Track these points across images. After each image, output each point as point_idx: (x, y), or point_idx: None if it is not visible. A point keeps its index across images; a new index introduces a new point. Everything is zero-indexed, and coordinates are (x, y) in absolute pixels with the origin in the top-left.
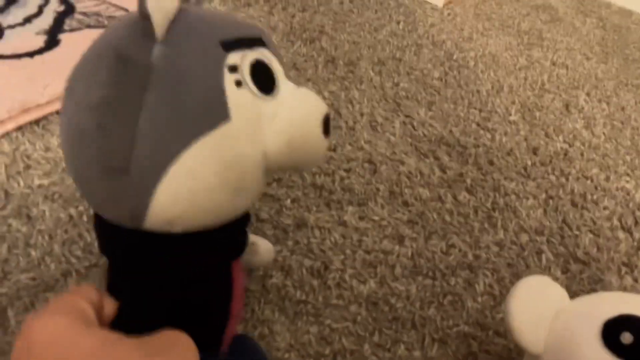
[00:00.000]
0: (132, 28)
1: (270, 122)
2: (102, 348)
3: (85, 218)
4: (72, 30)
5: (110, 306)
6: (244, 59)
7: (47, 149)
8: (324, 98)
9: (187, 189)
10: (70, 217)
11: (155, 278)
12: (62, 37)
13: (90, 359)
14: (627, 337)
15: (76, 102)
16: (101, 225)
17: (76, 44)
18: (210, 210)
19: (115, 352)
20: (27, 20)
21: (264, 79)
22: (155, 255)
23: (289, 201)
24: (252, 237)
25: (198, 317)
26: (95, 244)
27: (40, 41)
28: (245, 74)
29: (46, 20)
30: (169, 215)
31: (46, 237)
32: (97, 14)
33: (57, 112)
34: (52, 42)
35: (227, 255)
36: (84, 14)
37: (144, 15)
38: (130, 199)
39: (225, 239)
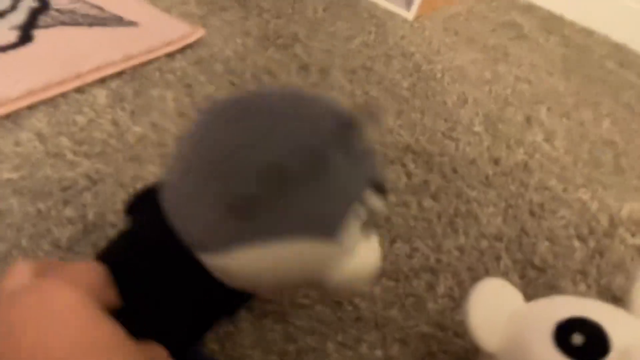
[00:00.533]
0: (331, 119)
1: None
2: (114, 345)
3: (53, 213)
4: (46, 26)
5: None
6: (370, 198)
7: (17, 144)
8: None
9: (262, 266)
10: (39, 211)
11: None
12: (36, 33)
13: (103, 355)
14: (577, 338)
15: (248, 140)
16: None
17: (50, 40)
18: (253, 286)
19: (122, 351)
20: (1, 15)
21: (368, 222)
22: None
23: None
24: None
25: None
26: (64, 239)
27: (13, 36)
28: (363, 212)
29: (20, 15)
30: (228, 269)
31: (14, 231)
32: (72, 12)
33: (28, 107)
34: (25, 37)
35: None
36: (59, 11)
37: (349, 127)
38: (216, 234)
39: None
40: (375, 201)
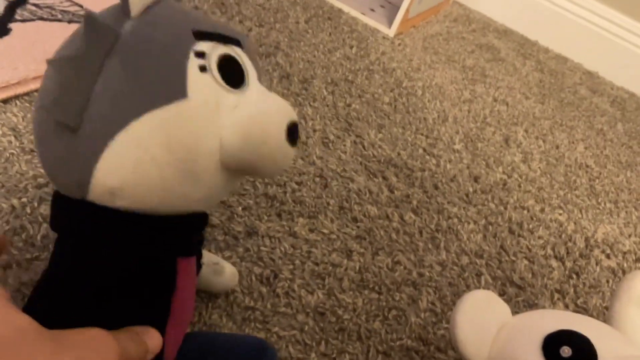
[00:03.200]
0: (112, 7)
1: (230, 112)
2: (15, 337)
3: (28, 210)
4: (23, 20)
5: None
6: (214, 49)
7: None
8: None
9: (133, 158)
10: (13, 207)
11: (94, 259)
12: (13, 26)
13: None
14: (566, 351)
15: (49, 61)
16: (55, 199)
17: (27, 34)
18: (156, 187)
19: (25, 342)
20: None
21: (231, 73)
22: (98, 233)
23: (240, 209)
24: (218, 259)
25: (130, 307)
26: (38, 236)
27: None
28: (212, 62)
29: None
30: (111, 184)
31: None
32: (51, 7)
33: (3, 101)
34: (2, 30)
35: (172, 248)
36: (37, 5)
37: None
38: (76, 163)
39: (173, 229)
40: (216, 46)
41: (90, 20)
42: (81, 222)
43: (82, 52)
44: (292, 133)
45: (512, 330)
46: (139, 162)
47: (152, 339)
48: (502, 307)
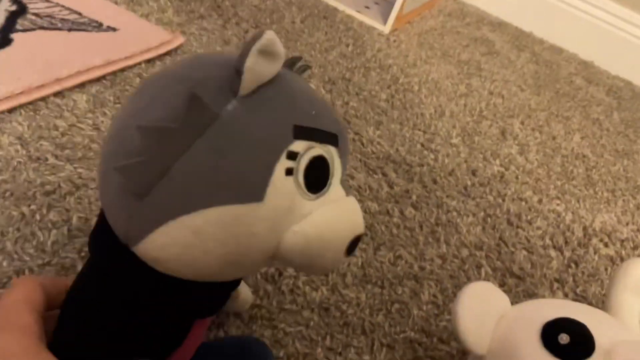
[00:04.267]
0: (220, 73)
1: (299, 219)
2: None
3: (38, 216)
4: (25, 30)
5: (60, 284)
6: (308, 150)
7: None
8: None
9: (186, 242)
10: (23, 215)
11: (116, 296)
12: (15, 36)
13: None
14: (564, 338)
15: (133, 111)
16: (102, 222)
17: (29, 43)
18: (197, 270)
19: None
20: None
21: (316, 177)
22: (130, 276)
23: None
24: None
25: (134, 347)
26: (49, 242)
27: None
28: (302, 165)
29: None
30: (157, 255)
31: None
32: (50, 16)
33: (8, 111)
34: (4, 40)
35: (196, 311)
36: (37, 15)
37: (237, 70)
38: (132, 220)
39: (204, 293)
40: (311, 146)
41: (194, 99)
42: (118, 260)
43: (175, 127)
44: (353, 246)
45: (511, 320)
46: (190, 247)
47: None
48: (501, 298)
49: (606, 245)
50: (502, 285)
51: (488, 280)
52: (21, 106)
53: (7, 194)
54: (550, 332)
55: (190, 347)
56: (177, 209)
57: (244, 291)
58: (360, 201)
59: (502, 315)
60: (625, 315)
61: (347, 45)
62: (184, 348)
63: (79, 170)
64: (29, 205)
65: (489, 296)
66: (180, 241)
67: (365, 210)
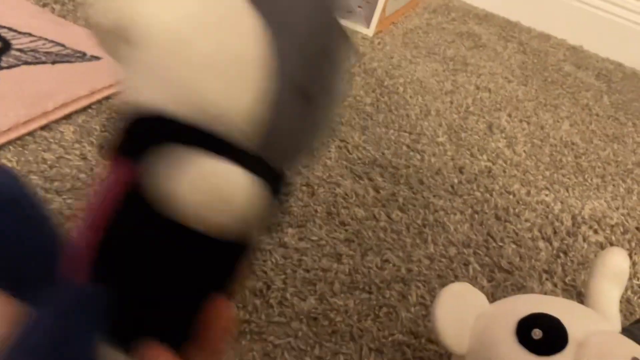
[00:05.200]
0: None
1: None
2: None
3: None
4: (9, 67)
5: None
6: None
7: None
8: None
9: None
10: None
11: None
12: (0, 74)
13: None
14: (537, 333)
15: None
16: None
17: (14, 79)
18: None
19: None
20: None
21: None
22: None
23: None
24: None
25: None
26: None
27: None
28: None
29: None
30: None
31: None
32: (34, 50)
33: None
34: None
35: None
36: (21, 50)
37: None
38: None
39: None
40: None
41: None
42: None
43: None
44: None
45: (488, 319)
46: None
47: None
48: (478, 297)
49: (595, 232)
50: (490, 280)
51: (476, 277)
52: (10, 142)
53: None
54: (524, 328)
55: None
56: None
57: None
58: (346, 208)
59: (480, 314)
60: (604, 304)
61: None
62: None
63: (68, 201)
64: None
65: (467, 296)
66: None
67: (352, 217)
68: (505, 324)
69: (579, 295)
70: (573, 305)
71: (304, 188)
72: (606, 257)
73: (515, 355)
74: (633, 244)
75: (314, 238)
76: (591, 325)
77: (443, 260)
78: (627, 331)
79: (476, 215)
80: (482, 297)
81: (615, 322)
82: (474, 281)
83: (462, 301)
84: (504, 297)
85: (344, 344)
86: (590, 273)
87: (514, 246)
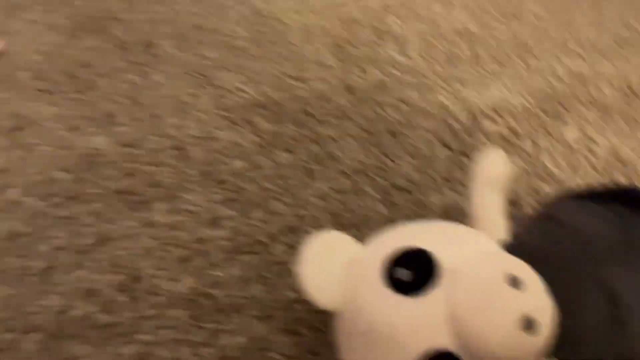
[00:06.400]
0: None
1: None
2: None
3: None
4: None
5: None
6: None
7: None
8: (117, 92)
9: None
10: None
11: None
12: None
13: None
14: (403, 274)
15: None
16: None
17: None
18: None
19: None
20: None
21: None
22: None
23: (87, 218)
24: None
25: None
26: None
27: None
28: None
29: None
30: None
31: None
32: None
33: None
34: None
35: None
36: None
37: None
38: None
39: None
40: None
41: None
42: None
43: None
44: None
45: (354, 265)
46: None
47: None
48: (346, 244)
49: (495, 122)
50: (388, 204)
51: (374, 204)
52: None
53: None
54: (389, 269)
55: None
56: None
57: None
58: (225, 163)
59: (348, 262)
60: (488, 212)
61: None
62: None
63: None
64: None
65: (333, 246)
66: None
67: (232, 173)
68: (370, 267)
69: None
70: (447, 229)
71: (175, 152)
72: (483, 165)
73: (382, 300)
74: (536, 126)
75: (189, 208)
76: (467, 248)
77: (336, 195)
78: (516, 237)
79: (369, 136)
80: (351, 242)
81: (498, 231)
82: (371, 209)
83: (326, 252)
84: (406, 218)
85: (228, 320)
86: (470, 184)
87: (410, 160)
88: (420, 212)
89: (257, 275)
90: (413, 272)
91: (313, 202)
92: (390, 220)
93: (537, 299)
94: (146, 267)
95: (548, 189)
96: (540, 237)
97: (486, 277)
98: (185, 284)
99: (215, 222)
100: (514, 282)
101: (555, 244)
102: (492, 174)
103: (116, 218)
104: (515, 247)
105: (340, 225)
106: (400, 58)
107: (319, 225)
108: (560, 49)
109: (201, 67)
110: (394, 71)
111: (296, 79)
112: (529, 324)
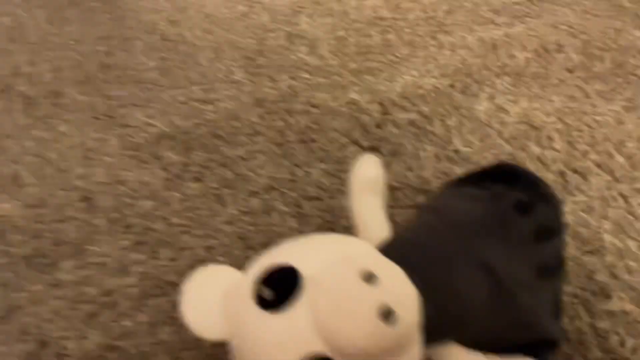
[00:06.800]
0: None
1: None
2: None
3: None
4: None
5: None
6: None
7: None
8: (23, 151)
9: None
10: None
11: None
12: None
13: None
14: (266, 292)
15: None
16: None
17: None
18: None
19: None
20: None
21: None
22: None
23: None
24: None
25: None
26: None
27: None
28: None
29: None
30: None
31: None
32: None
33: None
34: None
35: None
36: None
37: None
38: None
39: None
40: None
41: None
42: None
43: None
44: None
45: (233, 292)
46: None
47: None
48: (226, 274)
49: (407, 110)
50: (298, 216)
51: (283, 219)
52: None
53: None
54: (258, 289)
55: None
56: None
57: None
58: (131, 206)
59: (228, 293)
60: (368, 215)
61: (103, 23)
62: None
63: None
64: None
65: (212, 278)
66: None
67: (139, 215)
68: (244, 291)
69: (393, 189)
70: (315, 241)
71: (81, 204)
72: (359, 171)
73: (255, 320)
74: (447, 107)
75: (97, 260)
76: (330, 256)
77: (245, 217)
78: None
79: (279, 149)
80: (230, 271)
81: (380, 233)
82: (282, 225)
83: (206, 285)
84: (318, 229)
85: None
86: (349, 189)
87: (322, 165)
88: (330, 219)
89: (166, 317)
90: (278, 288)
91: (223, 229)
92: (300, 233)
93: (393, 289)
94: (53, 330)
95: (458, 171)
96: (417, 229)
97: (340, 279)
98: (93, 340)
99: (123, 269)
100: (369, 278)
101: (430, 232)
102: (366, 178)
103: (24, 285)
104: (391, 245)
105: (250, 248)
106: (311, 59)
107: (228, 253)
108: (472, 18)
109: (108, 109)
110: (304, 74)
111: (204, 101)
112: (387, 314)
